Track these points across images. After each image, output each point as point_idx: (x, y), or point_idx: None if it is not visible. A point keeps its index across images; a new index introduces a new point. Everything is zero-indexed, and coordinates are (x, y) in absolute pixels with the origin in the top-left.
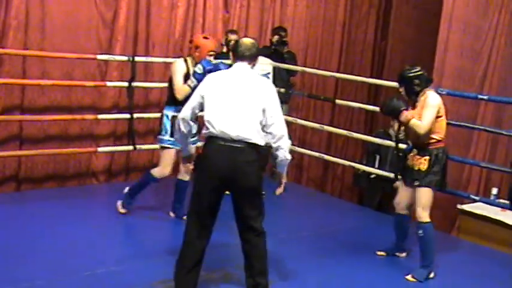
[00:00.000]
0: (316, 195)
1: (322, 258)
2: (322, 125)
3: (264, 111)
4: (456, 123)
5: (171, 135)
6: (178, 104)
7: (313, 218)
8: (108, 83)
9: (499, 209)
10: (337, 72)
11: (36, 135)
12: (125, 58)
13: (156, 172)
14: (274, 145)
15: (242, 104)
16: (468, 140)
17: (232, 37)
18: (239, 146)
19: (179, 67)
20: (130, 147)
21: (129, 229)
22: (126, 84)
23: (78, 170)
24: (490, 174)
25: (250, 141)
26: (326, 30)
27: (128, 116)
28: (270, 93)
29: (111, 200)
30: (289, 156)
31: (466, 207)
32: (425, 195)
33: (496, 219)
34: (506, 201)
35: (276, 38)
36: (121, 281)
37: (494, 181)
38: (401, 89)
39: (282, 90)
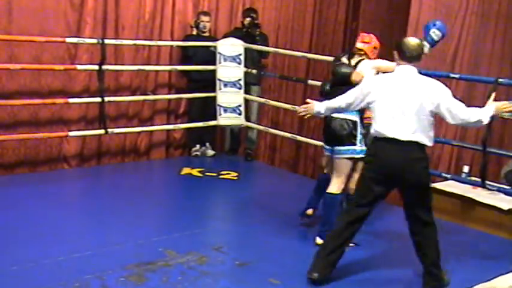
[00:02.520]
0: (288, 176)
1: (293, 241)
2: (294, 106)
3: (435, 109)
4: None
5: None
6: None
7: (286, 198)
8: (78, 66)
9: (471, 186)
10: (309, 52)
11: (6, 120)
12: (94, 41)
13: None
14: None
15: (410, 107)
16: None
17: (205, 19)
18: (408, 146)
19: None
20: (102, 131)
21: (102, 214)
22: (96, 67)
23: (50, 155)
24: (461, 153)
25: (419, 142)
26: (297, 10)
27: (98, 99)
28: (441, 93)
29: (82, 185)
30: (484, 119)
31: (438, 185)
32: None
33: (467, 197)
34: (478, 179)
35: (248, 20)
36: (95, 265)
37: (465, 159)
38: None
39: (254, 71)
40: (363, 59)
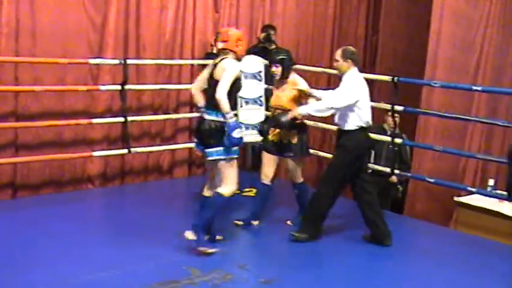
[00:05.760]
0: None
1: (317, 257)
2: (315, 122)
3: None
4: (450, 115)
5: None
6: None
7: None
8: (101, 87)
9: (497, 200)
10: (330, 68)
11: (31, 142)
12: (116, 61)
13: None
14: None
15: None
16: (463, 131)
17: None
18: None
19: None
20: (125, 151)
21: (127, 232)
22: (118, 87)
23: (74, 175)
24: (486, 166)
25: None
26: (317, 26)
27: (121, 119)
28: None
29: (107, 204)
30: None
31: (463, 199)
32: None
33: (493, 211)
34: (504, 192)
35: (262, 35)
36: (120, 283)
37: (490, 172)
38: (277, 70)
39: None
40: (226, 58)
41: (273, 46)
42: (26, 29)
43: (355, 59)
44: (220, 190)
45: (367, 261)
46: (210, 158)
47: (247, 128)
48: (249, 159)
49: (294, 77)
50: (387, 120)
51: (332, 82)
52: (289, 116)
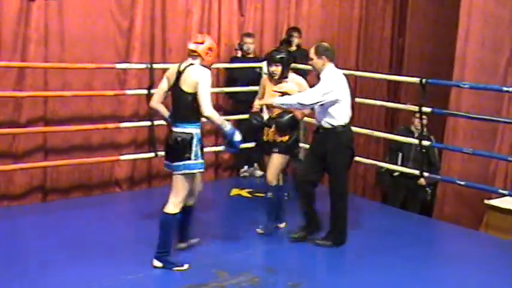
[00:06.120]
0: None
1: (347, 260)
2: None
3: None
4: (480, 116)
5: None
6: None
7: None
8: (128, 91)
9: None
10: (356, 70)
11: (60, 146)
12: (143, 66)
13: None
14: None
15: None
16: (493, 133)
17: (248, 40)
18: None
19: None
20: (152, 154)
21: (154, 236)
22: (145, 91)
23: (102, 179)
24: None
25: None
26: (342, 28)
27: (148, 123)
28: None
29: (134, 208)
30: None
31: (494, 202)
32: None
33: None
34: None
35: (284, 37)
36: (148, 286)
37: None
38: (277, 69)
39: None
40: (192, 65)
41: (294, 48)
42: (55, 35)
43: (329, 54)
44: (169, 208)
45: (395, 265)
46: (178, 172)
47: None
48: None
49: (292, 76)
50: (414, 122)
51: (358, 84)
52: (265, 102)
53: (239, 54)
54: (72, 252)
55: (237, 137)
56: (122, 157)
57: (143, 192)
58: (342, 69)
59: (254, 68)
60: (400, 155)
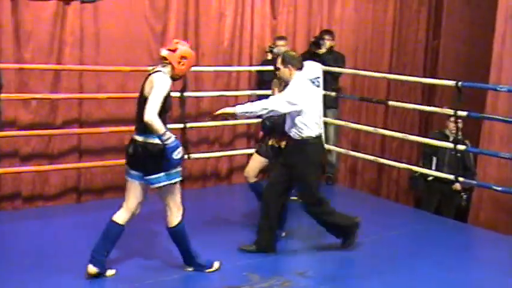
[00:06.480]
0: (371, 200)
1: (380, 265)
2: (376, 128)
3: None
4: None
5: None
6: None
7: (369, 223)
8: None
9: None
10: (389, 73)
11: (95, 147)
12: None
13: None
14: None
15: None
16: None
17: (280, 43)
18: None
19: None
20: (185, 156)
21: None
22: (178, 94)
23: None
24: None
25: None
26: (376, 31)
27: (180, 125)
28: None
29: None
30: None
31: None
32: None
33: None
34: None
35: (313, 39)
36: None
37: None
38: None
39: (333, 94)
40: (158, 71)
41: (323, 50)
42: (90, 38)
43: (295, 63)
44: (170, 222)
45: (429, 271)
46: (153, 186)
47: None
48: None
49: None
50: (449, 126)
51: (392, 87)
52: (217, 113)
53: (269, 56)
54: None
55: (176, 154)
56: None
57: None
58: (375, 72)
59: None
60: (435, 159)
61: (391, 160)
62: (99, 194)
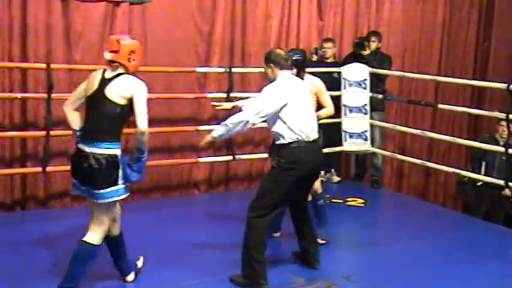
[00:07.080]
0: (418, 204)
1: (426, 271)
2: (423, 131)
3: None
4: None
5: None
6: None
7: (416, 227)
8: (208, 95)
9: None
10: (438, 75)
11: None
12: (222, 70)
13: None
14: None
15: (310, 106)
16: None
17: (326, 45)
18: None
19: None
20: (230, 157)
21: (229, 238)
22: (224, 95)
23: (181, 180)
24: None
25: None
26: (424, 32)
27: None
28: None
29: (212, 210)
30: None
31: None
32: None
33: None
34: None
35: (356, 41)
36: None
37: None
38: (292, 71)
39: (380, 96)
40: (124, 74)
41: (367, 52)
42: (138, 38)
43: (279, 61)
44: (90, 238)
45: (477, 277)
46: (101, 201)
47: (351, 137)
48: (353, 168)
49: (307, 77)
50: (499, 130)
51: (441, 90)
52: (201, 145)
53: (314, 58)
54: (153, 253)
55: (136, 174)
56: (201, 159)
57: (221, 194)
58: (424, 74)
59: (331, 72)
60: (484, 164)
61: (438, 164)
62: (144, 193)
